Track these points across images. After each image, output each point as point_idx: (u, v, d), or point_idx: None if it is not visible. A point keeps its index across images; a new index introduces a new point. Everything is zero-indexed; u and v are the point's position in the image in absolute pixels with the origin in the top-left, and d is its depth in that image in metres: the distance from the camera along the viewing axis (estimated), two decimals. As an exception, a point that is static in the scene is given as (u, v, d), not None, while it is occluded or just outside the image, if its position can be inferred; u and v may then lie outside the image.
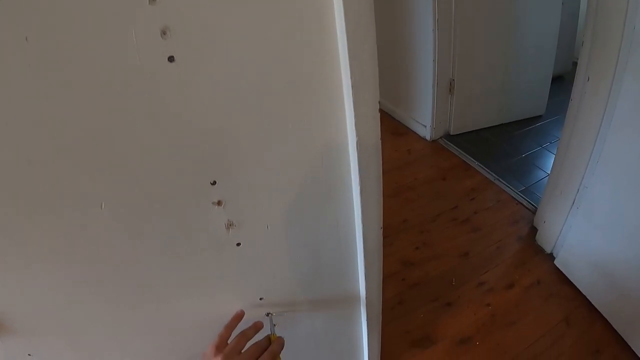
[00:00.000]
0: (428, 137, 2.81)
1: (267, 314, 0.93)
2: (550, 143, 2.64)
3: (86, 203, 0.64)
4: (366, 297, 1.05)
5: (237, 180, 0.71)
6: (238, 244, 0.79)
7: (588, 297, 1.68)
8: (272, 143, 0.70)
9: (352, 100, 0.67)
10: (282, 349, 0.83)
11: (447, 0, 2.32)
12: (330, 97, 0.69)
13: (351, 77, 0.65)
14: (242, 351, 0.79)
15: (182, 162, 0.66)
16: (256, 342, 0.82)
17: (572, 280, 1.76)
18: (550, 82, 2.80)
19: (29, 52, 0.50)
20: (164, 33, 0.54)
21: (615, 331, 1.54)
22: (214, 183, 0.69)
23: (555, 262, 1.84)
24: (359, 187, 0.78)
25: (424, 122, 2.81)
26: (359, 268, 0.99)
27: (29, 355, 0.88)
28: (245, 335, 0.82)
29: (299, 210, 0.81)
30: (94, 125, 0.58)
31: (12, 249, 0.68)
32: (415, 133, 2.93)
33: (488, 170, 2.47)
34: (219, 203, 0.72)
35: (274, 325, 0.89)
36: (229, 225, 0.75)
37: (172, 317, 0.87)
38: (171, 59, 0.56)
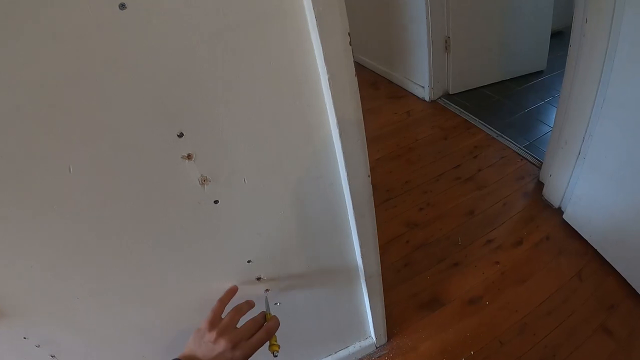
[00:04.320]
0: (427, 98, 2.74)
1: (266, 290, 0.90)
2: (553, 97, 2.56)
3: (54, 166, 0.61)
4: (362, 256, 1.01)
5: (205, 130, 0.66)
6: (216, 202, 0.74)
7: (599, 251, 1.63)
8: (238, 86, 0.65)
9: (317, 33, 0.62)
10: (278, 327, 0.81)
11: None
12: (296, 31, 0.64)
13: (314, 8, 0.59)
14: (237, 326, 0.77)
15: (145, 114, 0.61)
16: (252, 318, 0.80)
17: (582, 234, 1.71)
18: (549, 35, 2.71)
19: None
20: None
21: (630, 285, 1.49)
22: (180, 135, 0.65)
23: (564, 216, 1.78)
24: (337, 129, 0.73)
25: (421, 83, 2.73)
26: (350, 224, 0.94)
27: (25, 338, 0.87)
28: (240, 310, 0.80)
29: (276, 161, 0.76)
30: (51, 81, 0.55)
31: None
32: (413, 95, 2.85)
33: (490, 127, 2.40)
34: (189, 157, 0.67)
35: (275, 303, 0.86)
36: (203, 181, 0.71)
37: (158, 283, 0.83)
38: (122, 6, 0.52)
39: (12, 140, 0.57)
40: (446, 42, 2.50)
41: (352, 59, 0.68)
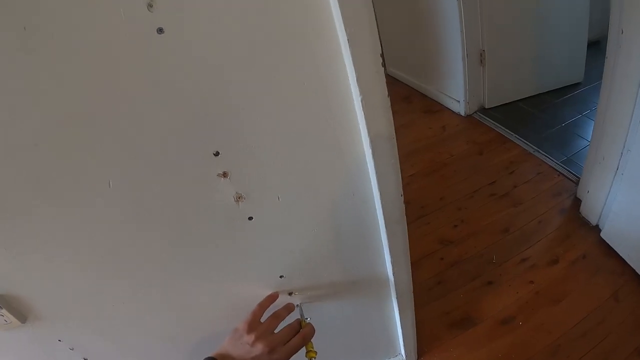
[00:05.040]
0: (462, 113, 2.71)
1: (297, 305, 0.92)
2: (591, 110, 2.50)
3: (94, 182, 0.64)
4: (394, 273, 1.01)
5: (241, 149, 0.68)
6: (250, 218, 0.76)
7: (637, 271, 1.58)
8: (270, 106, 0.67)
9: (349, 54, 0.63)
10: (314, 334, 0.83)
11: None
12: (328, 52, 0.65)
13: (346, 30, 0.61)
14: (275, 331, 0.79)
15: (182, 133, 0.64)
16: (288, 324, 0.82)
17: (619, 253, 1.66)
18: (586, 46, 2.65)
19: (27, 37, 0.51)
20: (150, 6, 0.53)
21: (669, 306, 1.45)
22: (217, 154, 0.67)
23: (602, 234, 1.74)
24: (370, 148, 0.74)
25: (456, 97, 2.71)
26: (382, 242, 0.94)
27: (59, 340, 0.91)
28: (278, 316, 0.83)
29: (309, 179, 0.77)
30: (91, 102, 0.58)
31: (33, 234, 0.70)
32: (448, 109, 2.83)
33: (526, 142, 2.37)
34: (224, 174, 0.69)
35: (306, 318, 0.87)
36: (238, 198, 0.73)
37: (190, 294, 0.86)
38: (160, 30, 0.55)
39: (63, 155, 0.61)
40: (481, 55, 2.48)
41: (385, 79, 0.69)
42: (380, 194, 0.82)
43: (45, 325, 0.88)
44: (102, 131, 0.60)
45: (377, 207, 0.86)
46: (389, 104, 0.73)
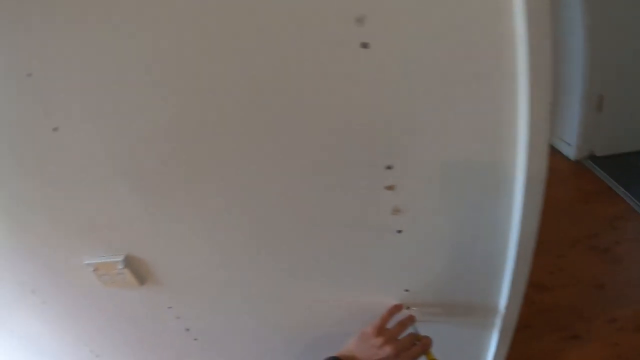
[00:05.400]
0: (571, 157, 2.65)
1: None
2: None
3: (258, 179, 0.74)
4: (506, 307, 1.02)
5: (411, 166, 0.73)
6: (399, 231, 0.81)
7: None
8: (448, 132, 0.70)
9: (527, 98, 0.66)
10: (431, 345, 0.86)
11: (599, 6, 2.15)
12: (505, 94, 0.68)
13: (528, 75, 0.64)
14: (399, 338, 0.84)
15: (361, 142, 0.70)
16: (410, 333, 0.87)
17: None
18: None
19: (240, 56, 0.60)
20: (359, 21, 0.58)
21: None
22: (389, 167, 0.72)
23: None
24: (523, 188, 0.76)
25: (568, 140, 2.65)
26: (506, 274, 0.96)
27: (169, 307, 1.00)
28: (404, 324, 0.87)
29: (462, 203, 0.81)
30: (287, 114, 0.67)
31: (181, 209, 0.81)
32: (558, 151, 2.77)
33: (635, 200, 2.27)
34: (390, 187, 0.75)
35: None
36: (396, 211, 0.78)
37: (312, 293, 0.93)
38: (365, 45, 0.60)
39: (242, 154, 0.71)
40: (599, 99, 2.38)
41: (549, 126, 0.71)
42: (520, 231, 0.84)
43: (160, 291, 0.98)
44: (287, 137, 0.69)
45: (512, 241, 0.88)
46: (547, 145, 0.75)
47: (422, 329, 1.01)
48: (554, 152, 2.77)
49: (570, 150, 2.65)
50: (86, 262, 0.98)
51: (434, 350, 1.01)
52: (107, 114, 0.70)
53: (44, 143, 0.75)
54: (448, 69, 0.65)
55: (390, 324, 0.88)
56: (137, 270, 0.95)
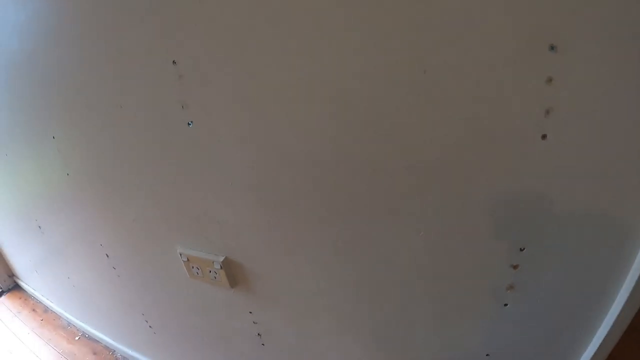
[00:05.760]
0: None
1: None
2: None
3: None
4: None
5: (541, 252, 0.72)
6: (505, 305, 0.81)
7: None
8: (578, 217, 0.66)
9: None
10: None
11: None
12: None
13: None
14: None
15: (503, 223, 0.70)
16: None
17: None
18: None
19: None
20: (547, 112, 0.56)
21: None
22: (522, 249, 0.72)
23: None
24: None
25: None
26: (591, 345, 0.93)
27: (250, 312, 1.01)
28: None
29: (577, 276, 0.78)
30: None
31: (301, 233, 0.81)
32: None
33: None
34: (515, 267, 0.74)
35: None
36: (510, 287, 0.78)
37: (397, 338, 0.93)
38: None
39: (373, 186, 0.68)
40: None
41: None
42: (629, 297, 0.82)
43: (246, 297, 0.97)
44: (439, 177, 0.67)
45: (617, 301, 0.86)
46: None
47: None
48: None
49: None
50: (179, 251, 1.02)
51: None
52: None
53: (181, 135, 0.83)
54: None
55: None
56: (232, 273, 0.96)
